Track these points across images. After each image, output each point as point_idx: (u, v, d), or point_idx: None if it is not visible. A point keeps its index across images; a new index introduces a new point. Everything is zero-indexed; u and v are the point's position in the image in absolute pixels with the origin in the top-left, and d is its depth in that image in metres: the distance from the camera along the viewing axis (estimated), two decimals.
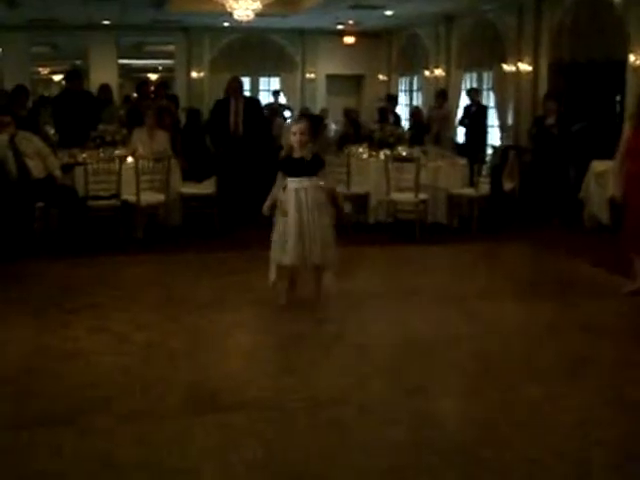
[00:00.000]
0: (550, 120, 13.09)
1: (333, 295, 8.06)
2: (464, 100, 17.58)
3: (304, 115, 15.87)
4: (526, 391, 5.89)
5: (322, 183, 7.90)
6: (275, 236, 7.90)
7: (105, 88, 16.03)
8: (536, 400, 5.70)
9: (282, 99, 21.21)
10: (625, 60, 13.39)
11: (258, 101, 15.20)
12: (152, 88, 16.85)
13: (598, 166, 12.41)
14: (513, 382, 6.09)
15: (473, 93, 17.06)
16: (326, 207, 7.89)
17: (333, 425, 5.25)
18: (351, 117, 17.01)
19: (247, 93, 22.56)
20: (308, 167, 7.78)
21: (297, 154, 7.80)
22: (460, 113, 17.64)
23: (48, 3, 17.15)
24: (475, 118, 16.51)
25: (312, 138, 7.98)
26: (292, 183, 7.82)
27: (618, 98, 14.44)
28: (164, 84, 17.62)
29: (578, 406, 5.59)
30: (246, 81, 23.08)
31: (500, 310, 8.18)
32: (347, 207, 8.30)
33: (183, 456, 4.79)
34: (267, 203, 8.01)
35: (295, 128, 7.90)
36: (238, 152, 12.45)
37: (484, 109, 17.11)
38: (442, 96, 17.35)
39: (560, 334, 7.33)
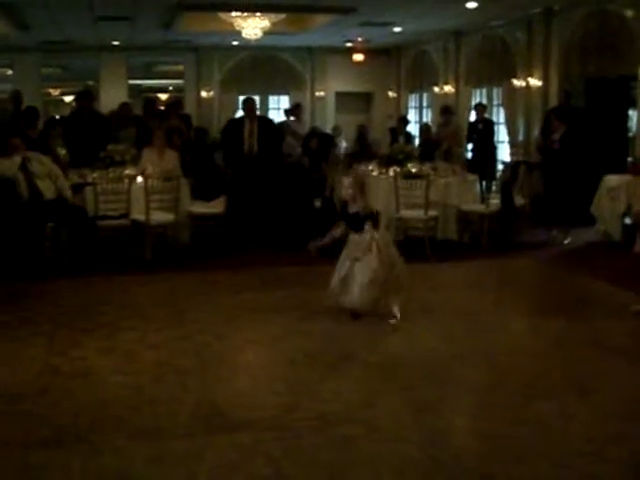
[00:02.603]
0: (556, 136, 13.05)
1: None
2: (474, 116, 17.51)
3: (313, 133, 15.84)
4: (536, 407, 5.85)
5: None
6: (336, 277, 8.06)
7: (125, 107, 16.03)
8: (546, 416, 5.66)
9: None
10: (636, 74, 13.38)
11: (272, 121, 15.17)
12: (162, 107, 16.88)
13: (610, 181, 12.38)
14: (524, 398, 6.05)
15: (479, 109, 17.02)
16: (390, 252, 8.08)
17: (341, 443, 5.22)
18: (364, 134, 17.00)
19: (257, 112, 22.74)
20: (361, 223, 8.04)
21: (352, 208, 8.10)
22: None
23: (59, 25, 17.23)
24: (482, 134, 16.48)
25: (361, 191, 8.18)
26: (354, 237, 8.09)
27: (630, 113, 14.41)
28: (174, 104, 17.60)
29: (588, 422, 5.56)
30: (255, 99, 23.14)
31: (511, 326, 8.18)
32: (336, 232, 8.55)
33: (192, 474, 4.77)
34: (320, 243, 8.20)
35: (346, 183, 8.16)
36: (252, 172, 12.42)
37: (491, 124, 17.06)
38: (448, 112, 17.31)
39: (570, 350, 7.30)
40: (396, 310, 7.97)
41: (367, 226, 7.99)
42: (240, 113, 20.61)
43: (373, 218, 8.06)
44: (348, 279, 7.92)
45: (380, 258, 7.91)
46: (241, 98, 22.57)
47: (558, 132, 12.98)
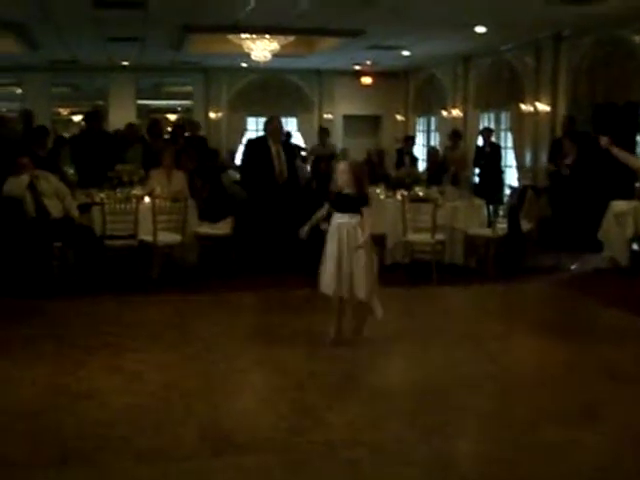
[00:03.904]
0: (567, 160, 13.01)
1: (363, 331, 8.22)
2: (481, 140, 17.50)
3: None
4: (544, 433, 5.81)
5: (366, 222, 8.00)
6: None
7: (131, 127, 16.11)
8: (554, 442, 5.62)
9: (295, 140, 20.94)
10: None
11: (296, 146, 14.86)
12: (169, 128, 16.92)
13: (617, 206, 12.35)
14: (531, 424, 6.01)
15: (486, 133, 17.06)
16: (366, 245, 7.96)
17: (346, 466, 5.21)
18: (377, 157, 17.00)
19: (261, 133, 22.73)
20: (352, 204, 7.94)
21: (346, 191, 8.00)
22: None
23: (68, 45, 17.32)
24: (489, 158, 16.50)
25: (361, 176, 8.10)
26: (337, 218, 8.02)
27: (638, 139, 14.38)
28: (182, 126, 17.65)
29: (597, 449, 5.53)
30: (263, 121, 23.20)
31: (518, 351, 8.17)
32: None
33: None
34: (306, 228, 8.17)
35: (340, 167, 8.12)
36: (280, 198, 11.84)
37: (498, 148, 17.10)
38: (456, 136, 17.36)
39: (578, 376, 7.27)
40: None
41: (363, 210, 7.96)
42: (251, 134, 20.79)
43: (363, 200, 8.02)
44: (351, 273, 7.90)
45: (339, 247, 7.92)
46: (249, 120, 22.86)
47: (570, 156, 12.95)
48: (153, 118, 19.21)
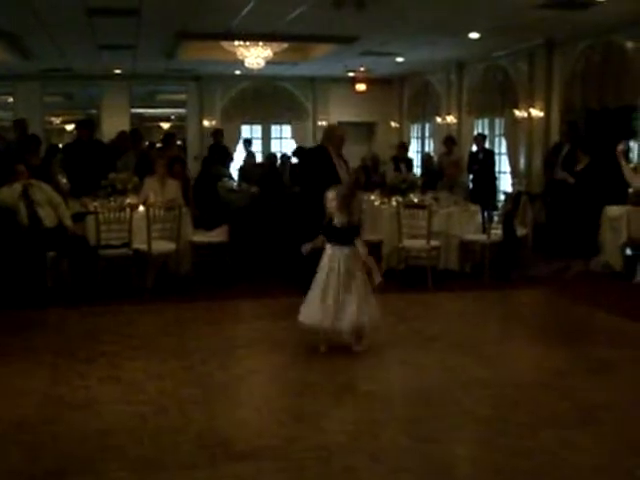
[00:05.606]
0: (578, 167, 13.05)
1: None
2: (475, 146, 17.52)
3: None
4: (542, 438, 5.79)
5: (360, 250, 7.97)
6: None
7: (123, 135, 16.12)
8: (551, 446, 5.61)
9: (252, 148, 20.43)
10: (637, 106, 13.40)
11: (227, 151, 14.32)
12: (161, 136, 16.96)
13: (611, 211, 12.36)
14: (528, 429, 5.99)
15: (478, 139, 17.07)
16: (359, 274, 7.92)
17: (344, 473, 5.19)
18: (372, 163, 16.96)
19: (259, 141, 22.73)
20: (343, 236, 7.90)
21: (336, 221, 7.94)
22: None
23: (61, 53, 17.29)
24: (483, 164, 16.51)
25: (347, 204, 7.95)
26: (329, 249, 7.99)
27: (631, 144, 14.39)
28: (173, 134, 17.66)
29: (594, 452, 5.51)
30: (257, 129, 23.23)
31: (513, 356, 8.16)
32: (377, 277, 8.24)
33: None
34: (307, 247, 8.14)
35: (329, 196, 8.02)
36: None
37: (491, 154, 17.10)
38: (451, 142, 17.38)
39: (574, 380, 7.27)
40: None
41: (356, 242, 7.93)
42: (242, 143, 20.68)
43: (355, 231, 7.97)
44: (341, 306, 7.83)
45: (329, 279, 7.85)
46: (243, 127, 22.86)
47: (580, 165, 12.99)
48: (134, 127, 19.29)
